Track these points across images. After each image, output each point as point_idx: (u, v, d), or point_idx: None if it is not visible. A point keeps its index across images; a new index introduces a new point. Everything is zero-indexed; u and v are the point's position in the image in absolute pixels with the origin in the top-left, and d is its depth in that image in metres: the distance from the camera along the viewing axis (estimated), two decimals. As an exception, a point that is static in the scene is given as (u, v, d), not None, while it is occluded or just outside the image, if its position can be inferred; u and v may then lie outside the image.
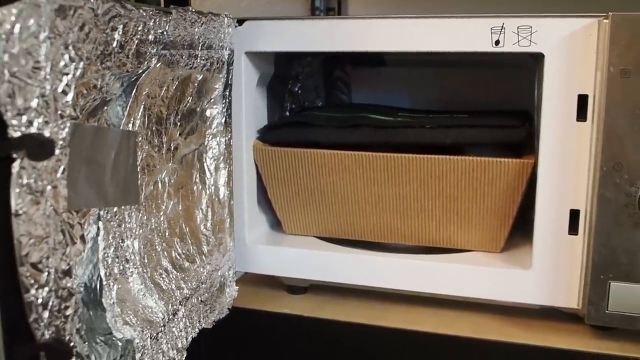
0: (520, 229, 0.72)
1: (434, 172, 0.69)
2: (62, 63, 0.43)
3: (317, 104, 0.96)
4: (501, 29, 0.63)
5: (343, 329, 0.70)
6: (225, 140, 0.68)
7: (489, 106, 0.77)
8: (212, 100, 0.66)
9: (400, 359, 0.69)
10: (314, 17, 0.68)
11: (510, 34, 0.63)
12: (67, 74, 0.43)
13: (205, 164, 0.67)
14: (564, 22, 0.61)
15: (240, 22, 0.69)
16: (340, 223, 0.75)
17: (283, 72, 0.82)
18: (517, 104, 0.78)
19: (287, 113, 0.86)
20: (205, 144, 0.66)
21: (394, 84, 0.97)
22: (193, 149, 0.65)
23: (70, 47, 0.43)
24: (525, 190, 0.68)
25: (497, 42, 0.63)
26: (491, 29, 0.63)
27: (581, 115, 0.62)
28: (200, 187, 0.66)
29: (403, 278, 0.71)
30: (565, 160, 0.63)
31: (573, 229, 0.63)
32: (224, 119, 0.67)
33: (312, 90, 0.93)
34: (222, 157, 0.68)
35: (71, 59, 0.43)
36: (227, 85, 0.67)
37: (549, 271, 0.65)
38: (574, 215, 0.63)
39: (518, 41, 0.63)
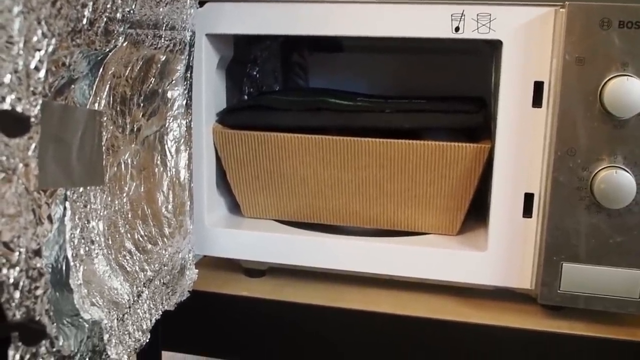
0: (475, 213, 0.74)
1: (392, 156, 0.70)
2: (34, 38, 0.42)
3: (275, 88, 0.96)
4: (461, 16, 0.64)
5: (302, 310, 0.71)
6: (186, 123, 0.67)
7: (444, 93, 0.78)
8: (174, 81, 0.65)
9: (359, 339, 0.70)
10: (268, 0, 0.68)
11: (469, 21, 0.64)
12: (39, 50, 0.42)
13: (166, 146, 0.66)
14: (522, 10, 0.63)
15: (202, 3, 0.68)
16: (299, 206, 0.76)
17: (242, 55, 0.81)
18: (472, 90, 0.80)
19: (245, 97, 0.86)
20: (166, 125, 0.66)
21: (352, 70, 0.98)
22: (154, 130, 0.64)
23: (43, 23, 0.42)
24: (481, 174, 0.70)
25: (457, 29, 0.65)
26: (451, 15, 0.64)
27: (537, 101, 0.64)
28: (162, 169, 0.65)
29: (361, 260, 0.72)
30: (521, 145, 0.65)
31: (527, 211, 0.66)
32: (184, 101, 0.67)
33: (269, 74, 0.93)
34: (182, 140, 0.67)
35: (44, 35, 0.42)
36: (189, 67, 0.66)
37: (504, 253, 0.67)
38: (529, 198, 0.65)
39: (477, 28, 0.64)
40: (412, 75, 0.95)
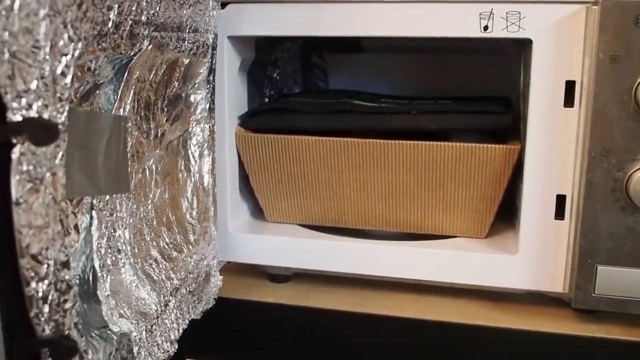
0: (503, 215, 0.73)
1: (419, 158, 0.68)
2: (61, 43, 0.40)
3: (295, 90, 0.94)
4: (490, 15, 0.63)
5: (328, 316, 0.69)
6: (209, 127, 0.66)
7: (467, 93, 0.77)
8: (197, 85, 0.64)
9: (386, 345, 0.69)
10: (297, 0, 0.66)
11: (499, 20, 0.63)
12: (66, 55, 0.41)
13: (189, 151, 0.65)
14: (553, 8, 0.61)
15: (223, 5, 0.67)
16: (324, 210, 0.74)
17: (263, 57, 0.80)
18: (495, 91, 0.78)
19: (267, 99, 0.84)
20: (190, 130, 0.65)
21: (372, 71, 0.96)
22: (178, 135, 0.63)
23: (69, 26, 0.41)
24: (510, 176, 0.68)
25: (485, 28, 0.63)
26: (480, 14, 0.63)
27: (568, 101, 0.62)
28: (186, 174, 0.64)
29: (387, 265, 0.70)
30: (552, 146, 0.63)
31: (560, 214, 0.64)
32: (207, 104, 0.65)
33: (290, 76, 0.92)
34: (206, 144, 0.66)
35: (70, 39, 0.41)
36: (211, 70, 0.65)
37: (535, 256, 0.65)
38: (561, 200, 0.64)
39: (507, 27, 0.63)
40: (433, 75, 0.94)
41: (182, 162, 0.64)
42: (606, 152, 0.60)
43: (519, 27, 0.62)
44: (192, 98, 0.64)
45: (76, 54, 0.42)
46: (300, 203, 0.74)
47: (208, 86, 0.65)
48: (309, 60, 0.98)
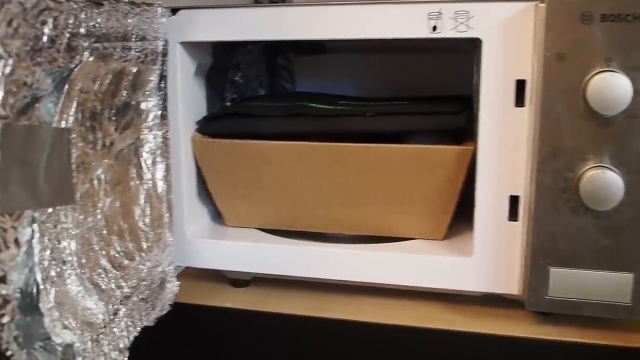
0: (463, 217, 0.73)
1: (373, 161, 0.68)
2: (-11, 61, 0.40)
3: (261, 93, 0.94)
4: (438, 15, 0.63)
5: (286, 321, 0.69)
6: (162, 134, 0.66)
7: (434, 91, 0.77)
8: (148, 93, 0.64)
9: (345, 349, 0.69)
10: (249, 5, 0.66)
11: (447, 20, 0.62)
12: (-5, 73, 0.41)
13: (142, 159, 0.64)
14: (501, 7, 0.61)
15: (174, 11, 0.67)
16: (282, 214, 0.74)
17: (222, 61, 0.80)
18: (462, 89, 0.78)
19: (228, 104, 0.84)
20: (142, 138, 0.64)
21: (338, 71, 0.96)
22: (129, 143, 0.63)
23: (-1, 44, 0.41)
24: (465, 177, 0.68)
25: (434, 28, 0.63)
26: (428, 14, 0.63)
27: (519, 101, 0.62)
28: (138, 182, 0.64)
29: (346, 269, 0.70)
30: (505, 147, 0.63)
31: (513, 215, 0.64)
32: (160, 112, 0.65)
33: (254, 80, 0.91)
34: (159, 151, 0.66)
35: (0, 57, 0.41)
36: (163, 77, 0.65)
37: (490, 258, 0.66)
38: (514, 201, 0.64)
39: (456, 27, 0.62)
40: (401, 74, 0.94)
41: (134, 170, 0.63)
42: (556, 152, 0.61)
43: (468, 27, 0.62)
44: (143, 106, 0.64)
45: (7, 71, 0.42)
46: (258, 207, 0.75)
47: (160, 93, 0.65)
48: (275, 63, 0.97)
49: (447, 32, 0.63)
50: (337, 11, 0.65)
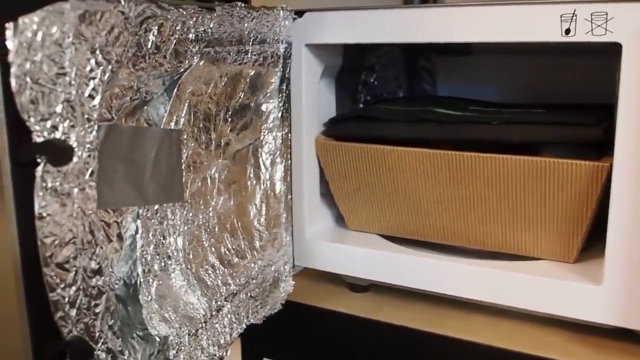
0: (600, 239, 0.66)
1: (498, 172, 0.64)
2: (87, 68, 0.43)
3: (398, 94, 0.92)
4: (572, 16, 0.57)
5: (396, 332, 0.68)
6: (282, 135, 0.67)
7: (581, 95, 0.71)
8: (268, 94, 0.65)
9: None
10: (377, 6, 0.65)
11: (582, 22, 0.57)
12: (94, 79, 0.43)
13: (260, 159, 0.66)
14: (646, 8, 0.54)
15: (300, 13, 0.67)
16: (402, 222, 0.72)
17: (354, 62, 0.79)
18: (612, 94, 0.71)
19: (361, 105, 0.83)
20: (261, 138, 0.66)
21: (482, 73, 0.91)
22: (247, 144, 0.64)
23: (98, 52, 0.43)
24: (600, 195, 0.62)
25: (567, 31, 0.57)
26: (561, 16, 0.57)
27: (664, 114, 0.55)
28: (255, 182, 0.66)
29: (466, 285, 0.67)
30: (643, 163, 0.57)
31: (651, 241, 0.57)
32: (280, 113, 0.66)
33: (391, 81, 0.90)
34: (278, 152, 0.67)
35: (98, 64, 0.43)
36: (284, 79, 0.66)
37: (623, 287, 0.59)
38: (653, 225, 0.57)
39: (591, 29, 0.56)
40: (548, 77, 0.87)
41: (251, 170, 0.65)
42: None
43: (606, 29, 0.56)
44: (263, 107, 0.65)
45: (106, 77, 0.45)
46: (379, 213, 0.73)
47: (280, 95, 0.66)
48: (415, 64, 0.95)
49: (581, 35, 0.57)
50: (462, 14, 0.62)
